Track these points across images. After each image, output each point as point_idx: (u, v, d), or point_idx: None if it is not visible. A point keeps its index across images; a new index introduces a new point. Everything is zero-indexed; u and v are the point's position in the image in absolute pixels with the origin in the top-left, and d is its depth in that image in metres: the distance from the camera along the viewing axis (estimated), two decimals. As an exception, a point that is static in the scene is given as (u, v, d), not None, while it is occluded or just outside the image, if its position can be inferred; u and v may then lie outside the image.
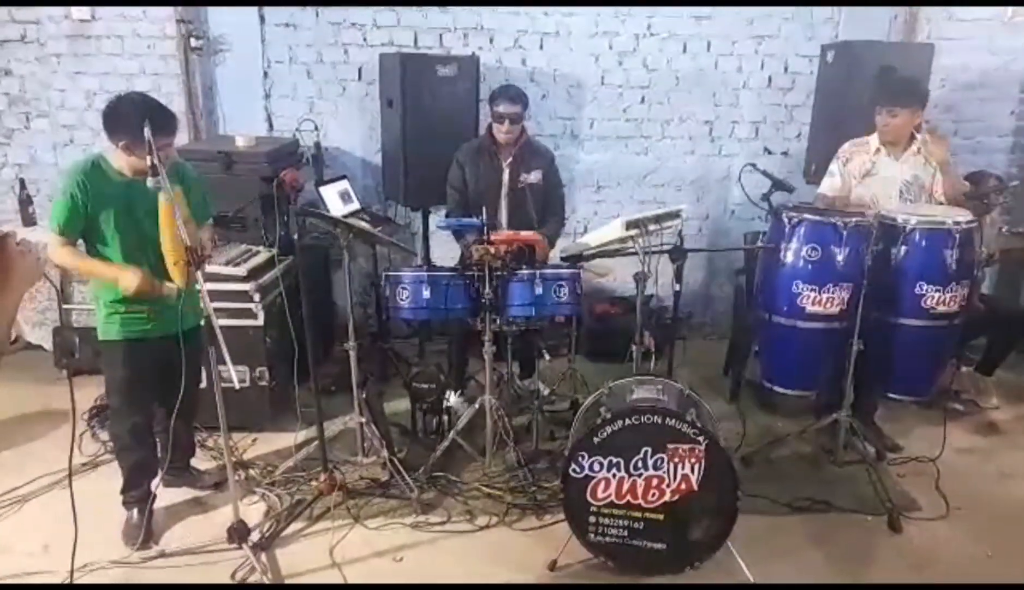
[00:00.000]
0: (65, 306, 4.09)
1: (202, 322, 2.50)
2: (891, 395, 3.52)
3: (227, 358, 2.45)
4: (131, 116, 2.50)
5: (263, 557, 2.73)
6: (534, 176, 3.70)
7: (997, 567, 2.83)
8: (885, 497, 3.09)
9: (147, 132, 2.41)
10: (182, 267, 2.42)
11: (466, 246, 3.37)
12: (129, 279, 2.55)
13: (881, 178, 3.46)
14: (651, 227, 3.19)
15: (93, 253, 2.67)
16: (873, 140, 3.49)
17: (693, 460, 2.54)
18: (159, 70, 4.43)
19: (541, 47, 4.69)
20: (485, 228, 3.14)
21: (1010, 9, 4.66)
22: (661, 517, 2.60)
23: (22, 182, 4.37)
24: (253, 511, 3.03)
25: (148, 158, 2.35)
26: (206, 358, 2.58)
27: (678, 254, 3.13)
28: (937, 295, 3.15)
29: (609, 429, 2.56)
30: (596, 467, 2.59)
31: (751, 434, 3.60)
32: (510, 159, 3.71)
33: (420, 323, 4.36)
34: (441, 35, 4.60)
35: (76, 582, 2.59)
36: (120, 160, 2.64)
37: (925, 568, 2.82)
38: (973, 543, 2.95)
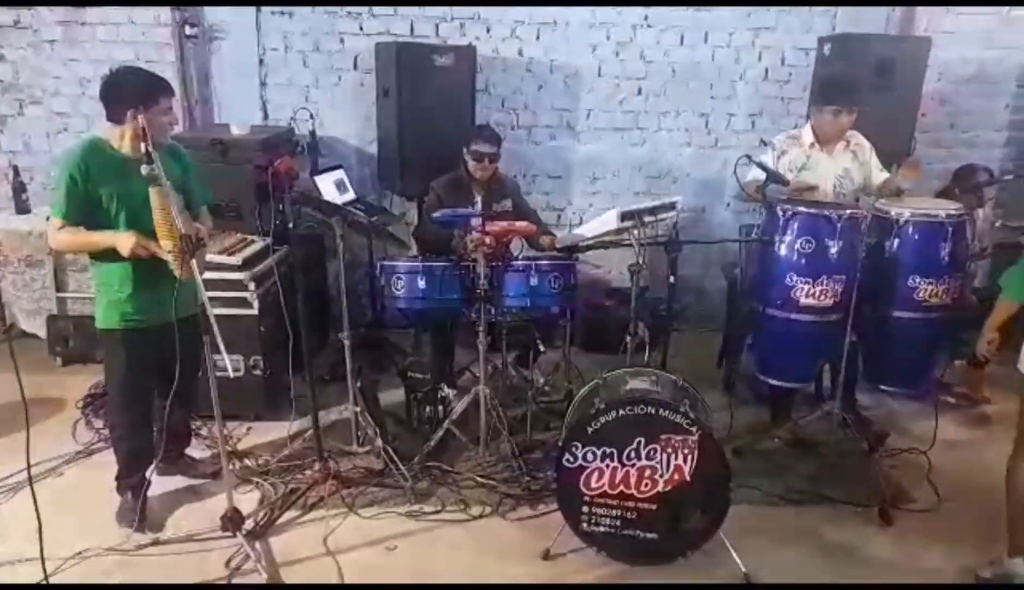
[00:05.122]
0: (60, 294, 4.08)
1: (198, 310, 2.50)
2: (883, 387, 3.54)
3: (222, 347, 2.45)
4: (135, 82, 2.58)
5: (257, 545, 2.75)
6: (505, 204, 3.79)
7: (984, 557, 2.83)
8: (876, 488, 3.11)
9: (141, 120, 2.41)
10: (177, 255, 2.42)
11: (460, 237, 3.36)
12: (124, 240, 2.52)
13: (815, 171, 3.55)
14: (646, 219, 3.19)
15: None
16: (806, 134, 3.59)
17: (686, 451, 2.56)
18: (154, 57, 4.40)
19: (538, 37, 4.67)
20: (482, 219, 3.14)
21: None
22: (654, 507, 2.62)
23: (16, 169, 4.35)
24: (247, 500, 3.04)
25: (143, 145, 2.35)
26: (202, 347, 2.58)
27: (673, 246, 3.13)
28: (930, 288, 3.17)
29: (603, 419, 2.57)
30: (590, 457, 2.60)
31: (744, 426, 3.62)
32: (483, 192, 3.76)
33: (415, 313, 4.36)
34: (437, 25, 4.58)
35: (73, 570, 2.62)
36: (119, 138, 2.63)
37: (916, 559, 2.84)
38: (963, 534, 2.97)
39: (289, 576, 2.66)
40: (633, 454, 2.58)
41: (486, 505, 3.05)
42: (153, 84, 2.62)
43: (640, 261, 3.16)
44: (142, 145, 2.36)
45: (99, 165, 2.58)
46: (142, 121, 2.41)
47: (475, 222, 3.17)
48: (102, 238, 2.57)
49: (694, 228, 4.94)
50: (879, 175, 3.63)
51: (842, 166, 3.58)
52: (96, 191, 2.58)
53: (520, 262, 3.31)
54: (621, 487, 2.61)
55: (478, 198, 3.75)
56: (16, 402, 3.82)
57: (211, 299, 2.50)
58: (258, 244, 3.62)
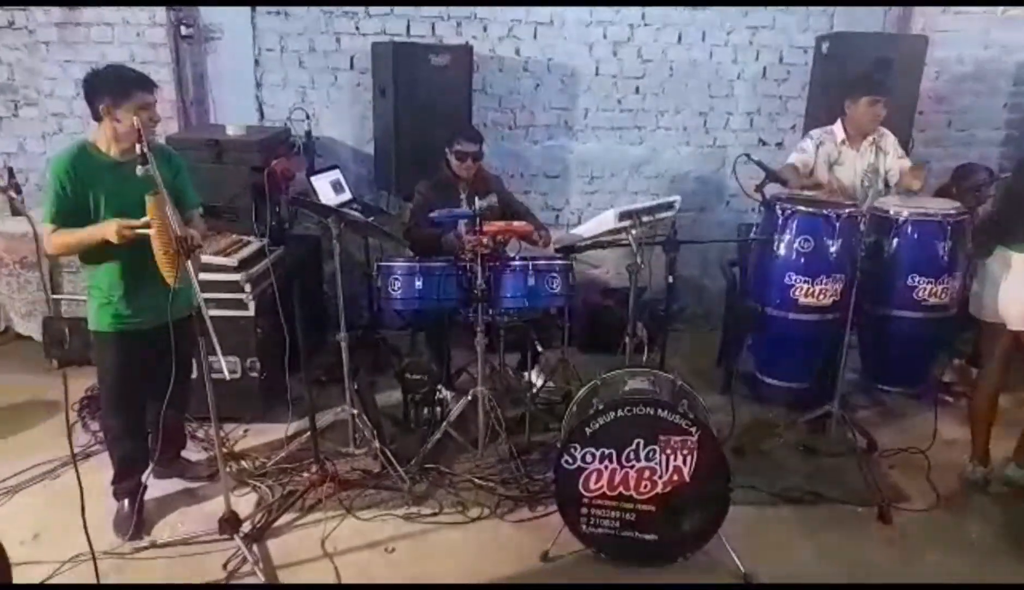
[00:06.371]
0: (55, 296, 4.06)
1: (193, 312, 2.48)
2: (883, 386, 3.54)
3: (218, 349, 2.43)
4: (109, 75, 2.55)
5: (255, 548, 2.73)
6: (490, 199, 3.78)
7: (983, 556, 2.85)
8: (875, 488, 3.10)
9: (136, 121, 2.40)
10: (172, 257, 2.40)
11: (458, 237, 3.35)
12: (108, 228, 2.47)
13: (846, 167, 3.64)
14: (644, 218, 3.19)
15: None
16: (838, 131, 3.65)
17: (685, 451, 2.55)
18: (149, 58, 4.37)
19: (535, 36, 4.66)
20: (479, 219, 3.13)
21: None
22: (653, 508, 2.61)
23: (10, 171, 4.33)
24: (244, 502, 3.02)
25: (138, 146, 2.33)
26: (197, 349, 2.56)
27: (671, 245, 3.13)
28: (929, 287, 3.17)
29: (601, 420, 2.56)
30: (588, 458, 2.59)
31: (743, 425, 3.61)
32: (467, 190, 3.76)
33: (412, 314, 4.36)
34: (434, 24, 4.57)
35: (69, 574, 2.60)
36: (106, 140, 2.61)
37: (915, 559, 2.83)
38: (962, 534, 2.97)
39: (287, 579, 2.65)
40: (632, 455, 2.57)
41: (484, 507, 3.04)
42: (127, 78, 2.57)
43: (638, 261, 3.15)
44: (137, 146, 2.34)
45: (87, 169, 2.57)
46: (137, 123, 2.39)
47: (463, 223, 3.15)
48: (91, 233, 2.54)
49: (692, 227, 4.93)
50: (895, 161, 3.69)
51: (868, 161, 3.67)
52: (85, 195, 2.56)
53: (517, 262, 3.30)
54: (620, 488, 2.60)
55: (463, 196, 3.74)
56: (10, 406, 3.84)
57: (207, 300, 2.49)
58: (254, 245, 3.61)
